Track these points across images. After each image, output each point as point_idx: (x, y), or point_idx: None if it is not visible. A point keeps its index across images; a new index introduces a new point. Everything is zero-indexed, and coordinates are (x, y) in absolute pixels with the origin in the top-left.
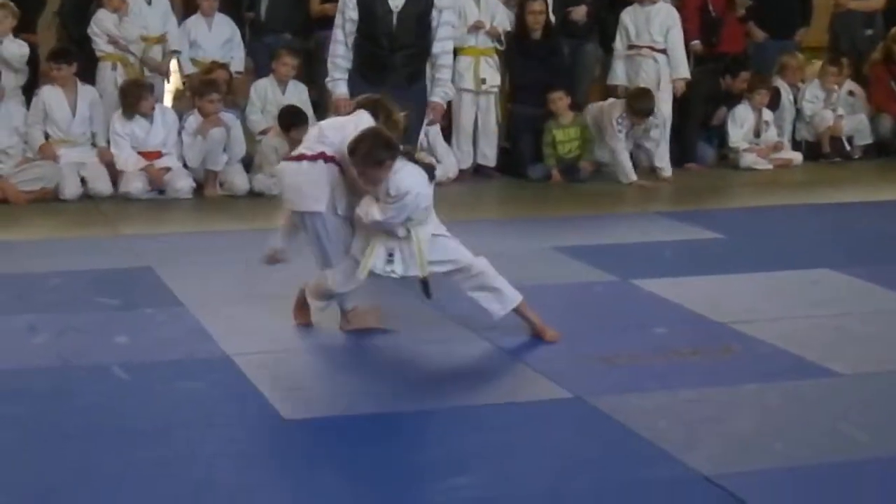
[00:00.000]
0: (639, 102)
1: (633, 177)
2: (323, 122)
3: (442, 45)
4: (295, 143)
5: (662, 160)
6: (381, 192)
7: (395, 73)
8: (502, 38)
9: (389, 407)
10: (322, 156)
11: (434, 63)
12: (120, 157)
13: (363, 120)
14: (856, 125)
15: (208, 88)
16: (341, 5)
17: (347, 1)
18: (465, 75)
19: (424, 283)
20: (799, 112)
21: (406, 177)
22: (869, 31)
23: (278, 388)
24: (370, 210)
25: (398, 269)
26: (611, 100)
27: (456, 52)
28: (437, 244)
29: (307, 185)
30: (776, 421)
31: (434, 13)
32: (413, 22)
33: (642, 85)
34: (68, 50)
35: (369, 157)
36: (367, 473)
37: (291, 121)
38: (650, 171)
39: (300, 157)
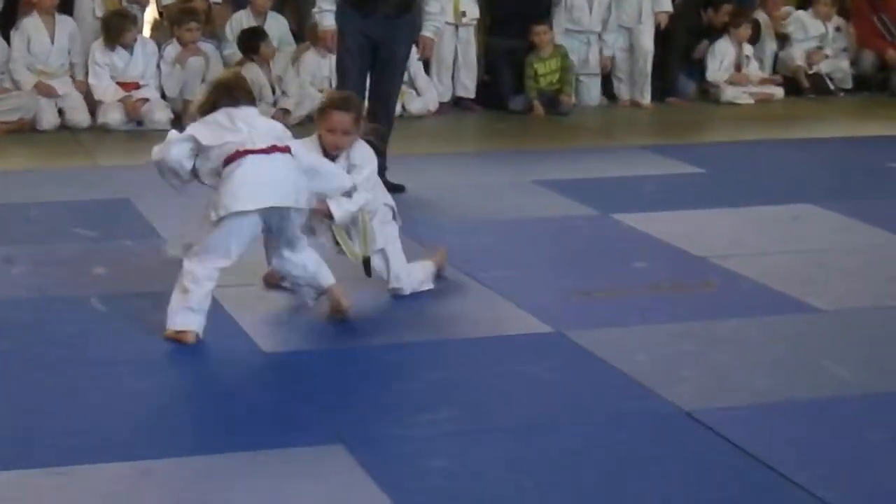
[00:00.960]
0: None
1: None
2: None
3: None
4: (264, 60)
5: (644, 90)
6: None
7: (385, 3)
8: None
9: (368, 341)
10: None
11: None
12: (98, 87)
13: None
14: (837, 66)
15: (187, 17)
16: None
17: None
18: (446, 8)
19: (366, 262)
20: (783, 43)
21: (365, 149)
22: None
23: (257, 322)
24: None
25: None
26: None
27: None
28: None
29: (294, 178)
30: (756, 356)
31: None
32: None
33: (625, 17)
34: None
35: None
36: (345, 406)
37: (255, 40)
38: (631, 104)
39: (272, 150)
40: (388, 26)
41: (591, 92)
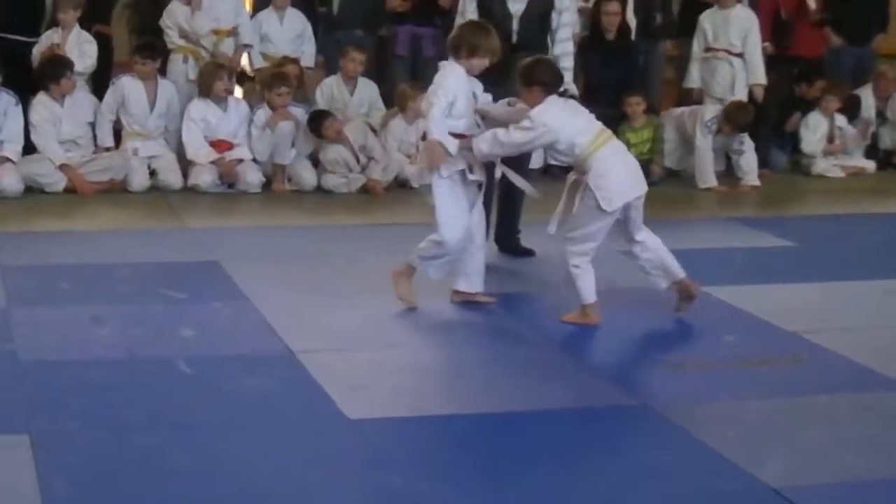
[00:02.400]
0: (737, 114)
1: (713, 181)
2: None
3: (563, 47)
4: (332, 138)
5: (748, 168)
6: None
7: (514, 75)
8: (575, 41)
9: (454, 408)
10: None
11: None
12: (191, 144)
13: None
14: None
15: (278, 81)
16: (461, 7)
17: (468, 3)
18: None
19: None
20: (887, 120)
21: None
22: None
23: (343, 387)
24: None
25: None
26: (697, 105)
27: None
28: None
29: None
30: (846, 433)
31: (554, 15)
32: (533, 24)
33: (717, 88)
34: (154, 45)
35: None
36: (432, 476)
37: (320, 122)
38: (727, 177)
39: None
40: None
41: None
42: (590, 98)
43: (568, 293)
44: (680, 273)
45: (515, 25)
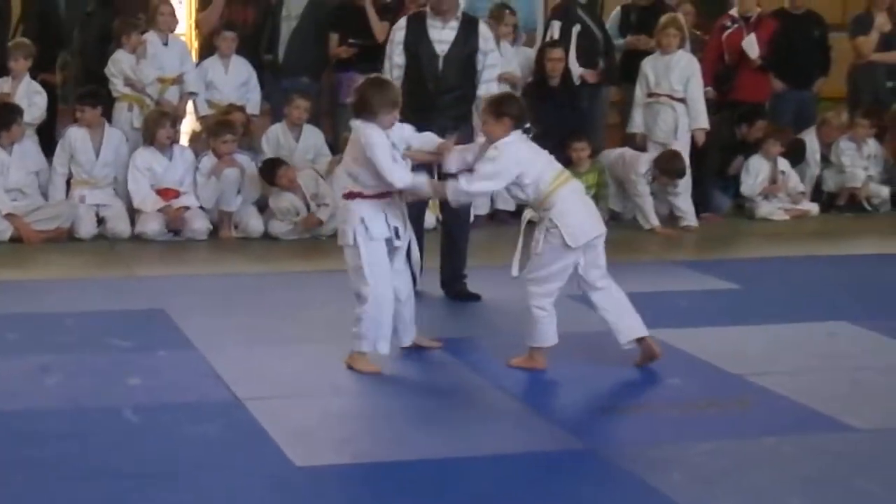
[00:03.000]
0: (670, 164)
1: (656, 222)
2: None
3: (487, 87)
4: (285, 186)
5: (685, 209)
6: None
7: (442, 115)
8: (518, 84)
9: (400, 454)
10: None
11: (480, 105)
12: (137, 193)
13: None
14: (877, 192)
15: (223, 129)
16: (388, 51)
17: (395, 46)
18: None
19: None
20: (830, 164)
21: None
22: (891, 84)
23: (290, 434)
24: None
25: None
26: (632, 152)
27: None
28: None
29: None
30: (792, 475)
31: (479, 56)
32: (459, 65)
33: (660, 133)
34: (96, 91)
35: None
36: None
37: (274, 170)
38: (670, 220)
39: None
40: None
41: (627, 207)
42: (534, 143)
43: (512, 337)
44: (643, 330)
45: (441, 66)
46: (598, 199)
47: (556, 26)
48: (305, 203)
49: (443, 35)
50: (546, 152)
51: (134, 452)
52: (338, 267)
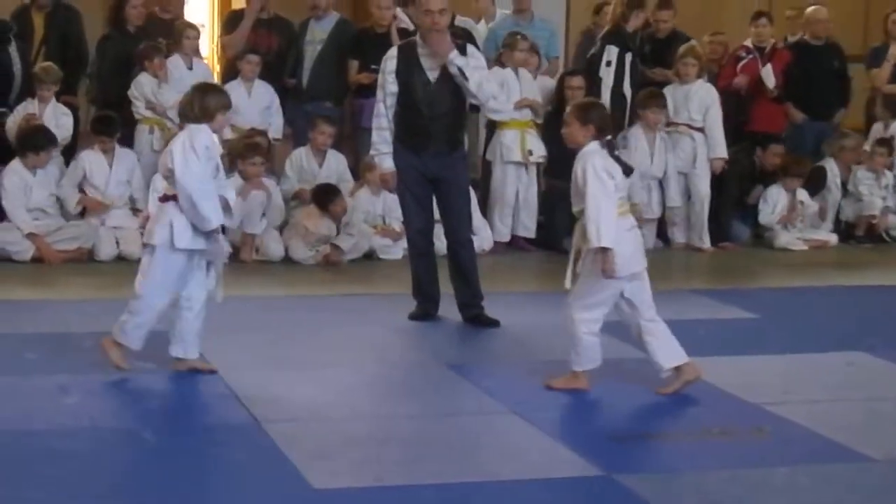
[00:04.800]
0: None
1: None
2: None
3: (477, 84)
4: (337, 216)
5: (703, 236)
6: None
7: (436, 140)
8: (539, 112)
9: (417, 478)
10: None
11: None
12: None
13: None
14: (895, 223)
15: (251, 152)
16: (381, 80)
17: (387, 75)
18: (513, 148)
19: None
20: (848, 192)
21: None
22: None
23: (308, 456)
24: None
25: None
26: None
27: (497, 125)
28: None
29: None
30: None
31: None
32: (451, 90)
33: (678, 162)
34: (112, 119)
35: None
36: None
37: (327, 197)
38: (688, 247)
39: None
40: (442, 163)
41: (646, 236)
42: (554, 172)
43: (530, 363)
44: (684, 357)
45: (434, 92)
46: None
47: (613, 51)
48: (337, 231)
49: (433, 62)
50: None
51: (152, 473)
52: (357, 291)
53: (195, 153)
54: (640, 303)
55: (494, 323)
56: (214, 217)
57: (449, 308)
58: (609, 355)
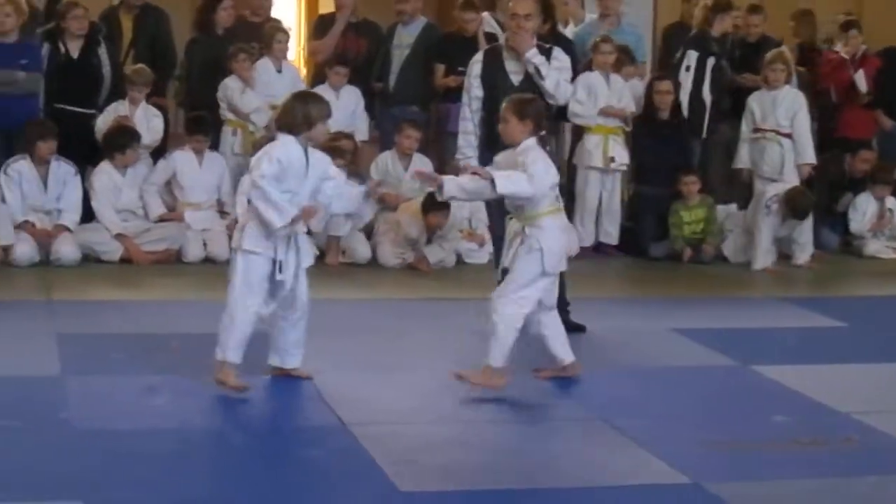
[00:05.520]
0: (797, 201)
1: (767, 263)
2: None
3: (555, 84)
4: (432, 227)
5: (803, 243)
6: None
7: None
8: (629, 119)
9: (503, 483)
10: None
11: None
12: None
13: None
14: None
15: (333, 154)
16: (467, 84)
17: (472, 79)
18: (594, 153)
19: None
20: None
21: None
22: None
23: (394, 459)
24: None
25: None
26: (759, 186)
27: (584, 130)
28: None
29: None
30: None
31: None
32: (536, 94)
33: (766, 168)
34: (206, 119)
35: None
36: None
37: (433, 206)
38: (780, 258)
39: None
40: None
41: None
42: (643, 178)
43: (618, 368)
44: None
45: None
46: (705, 234)
47: (693, 56)
48: (428, 241)
49: (518, 66)
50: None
51: (239, 475)
52: (442, 295)
53: (270, 159)
54: (548, 295)
55: (580, 328)
56: (276, 218)
57: None
58: (697, 362)
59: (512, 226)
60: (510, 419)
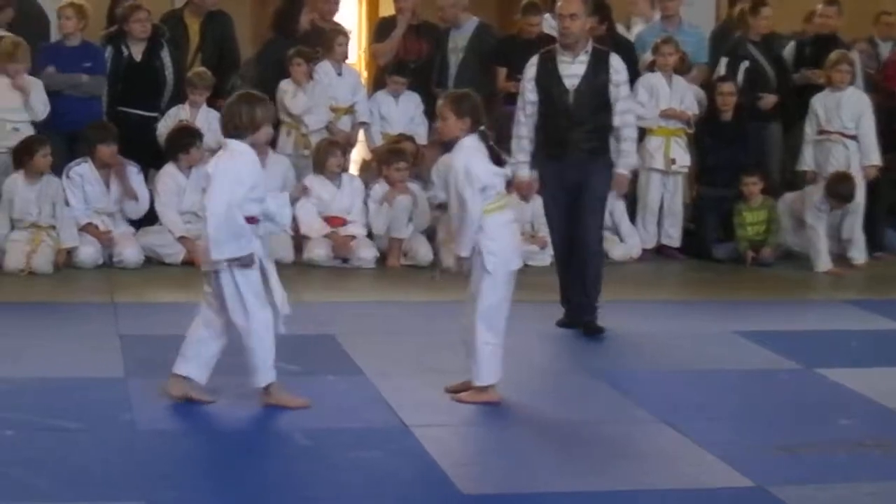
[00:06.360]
0: (839, 187)
1: (829, 265)
2: None
3: (622, 119)
4: None
5: (857, 247)
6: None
7: (576, 148)
8: (691, 121)
9: (565, 486)
10: None
11: (618, 136)
12: (305, 219)
13: None
14: None
15: (395, 156)
16: (521, 88)
17: (527, 83)
18: (656, 155)
19: None
20: None
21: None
22: None
23: (457, 462)
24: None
25: None
26: (811, 187)
27: (646, 132)
28: None
29: None
30: None
31: (612, 88)
32: (590, 98)
33: (831, 171)
34: None
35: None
36: None
37: None
38: (840, 259)
39: None
40: (583, 169)
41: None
42: (706, 179)
43: (674, 371)
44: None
45: (571, 100)
46: (768, 234)
47: (723, 62)
48: None
49: (572, 69)
50: (495, 168)
51: (301, 475)
52: None
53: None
54: None
55: (599, 330)
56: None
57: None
58: (761, 365)
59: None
60: (572, 421)
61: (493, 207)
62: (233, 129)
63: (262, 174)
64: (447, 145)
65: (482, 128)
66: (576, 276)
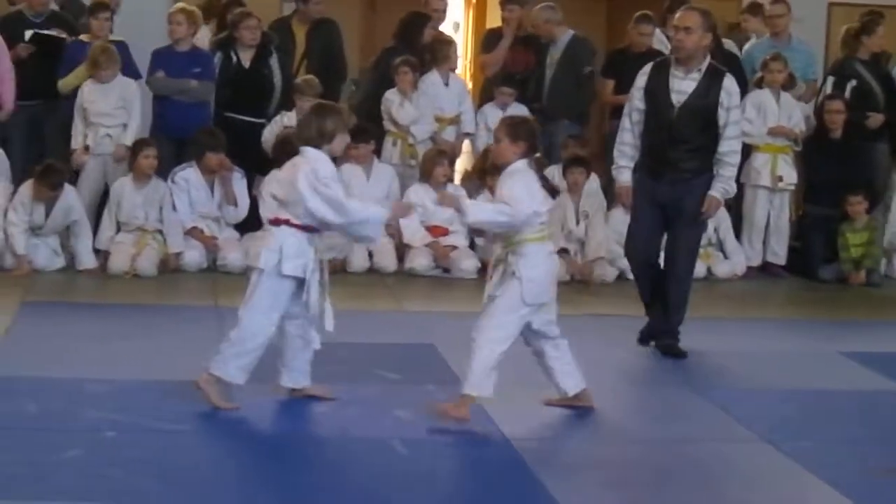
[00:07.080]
0: None
1: None
2: None
3: (729, 145)
4: None
5: None
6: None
7: (674, 166)
8: (799, 139)
9: (664, 502)
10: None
11: (719, 160)
12: (408, 228)
13: None
14: None
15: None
16: (630, 94)
17: (636, 91)
18: (762, 172)
19: None
20: None
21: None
22: None
23: (555, 475)
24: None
25: None
26: None
27: (752, 148)
28: None
29: None
30: None
31: (721, 111)
32: (695, 118)
33: None
34: (366, 129)
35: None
36: None
37: None
38: None
39: None
40: (678, 190)
41: None
42: (812, 197)
43: (777, 391)
44: (582, 383)
45: (674, 116)
46: (864, 256)
47: (829, 81)
48: None
49: (682, 85)
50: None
51: (399, 484)
52: (604, 311)
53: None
54: (544, 325)
55: (681, 355)
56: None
57: (694, 334)
58: (865, 387)
59: (495, 251)
60: (672, 438)
61: (537, 237)
62: (303, 140)
63: (339, 180)
64: (499, 169)
65: (537, 155)
66: (656, 295)
